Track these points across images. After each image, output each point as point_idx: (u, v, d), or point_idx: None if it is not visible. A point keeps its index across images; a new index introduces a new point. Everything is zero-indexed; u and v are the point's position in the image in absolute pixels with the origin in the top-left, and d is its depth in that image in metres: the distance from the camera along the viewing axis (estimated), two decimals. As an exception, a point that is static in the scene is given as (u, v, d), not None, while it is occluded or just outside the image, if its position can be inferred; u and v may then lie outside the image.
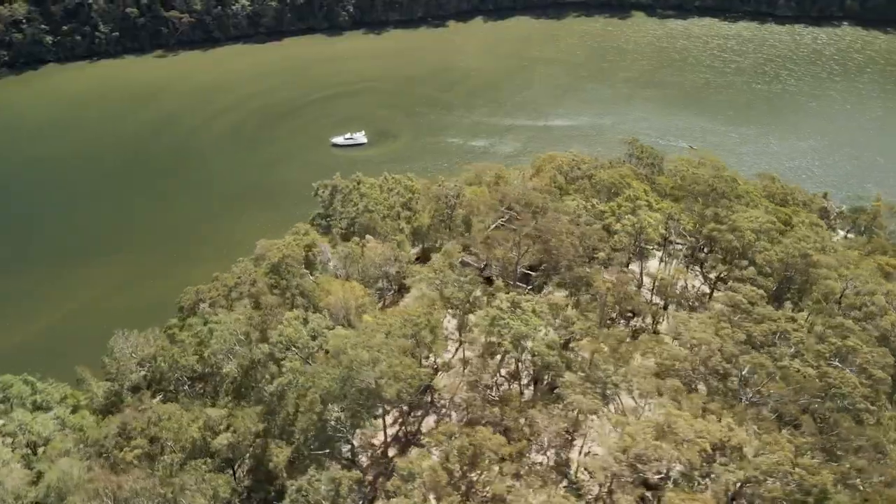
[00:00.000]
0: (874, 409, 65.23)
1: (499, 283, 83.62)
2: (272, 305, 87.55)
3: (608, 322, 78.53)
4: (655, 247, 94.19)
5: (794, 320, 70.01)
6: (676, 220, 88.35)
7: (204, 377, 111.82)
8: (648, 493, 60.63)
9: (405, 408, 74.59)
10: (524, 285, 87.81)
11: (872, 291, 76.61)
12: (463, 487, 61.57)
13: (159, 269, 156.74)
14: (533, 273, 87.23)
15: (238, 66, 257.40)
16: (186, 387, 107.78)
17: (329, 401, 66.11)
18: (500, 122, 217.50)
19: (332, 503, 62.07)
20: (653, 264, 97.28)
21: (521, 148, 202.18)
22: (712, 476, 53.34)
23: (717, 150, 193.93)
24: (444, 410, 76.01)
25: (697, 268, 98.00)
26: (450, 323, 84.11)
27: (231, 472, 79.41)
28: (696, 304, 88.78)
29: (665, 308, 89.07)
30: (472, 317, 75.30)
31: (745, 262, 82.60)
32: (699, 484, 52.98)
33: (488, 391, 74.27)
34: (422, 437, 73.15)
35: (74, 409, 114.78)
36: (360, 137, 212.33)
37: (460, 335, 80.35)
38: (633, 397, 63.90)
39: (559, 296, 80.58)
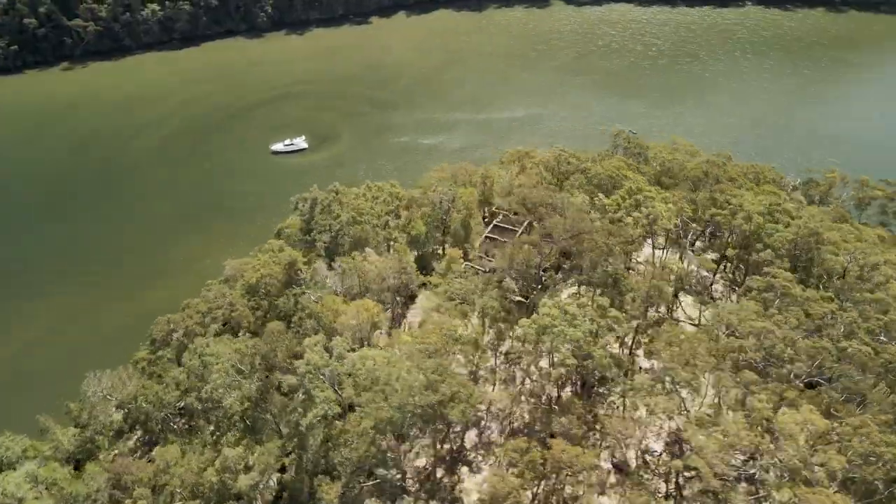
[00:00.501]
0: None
1: (510, 284, 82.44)
2: (277, 332, 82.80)
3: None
4: (654, 236, 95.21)
5: (831, 300, 72.74)
6: (680, 208, 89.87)
7: (190, 413, 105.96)
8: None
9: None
10: (536, 285, 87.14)
11: (877, 263, 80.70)
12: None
13: (112, 296, 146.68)
14: (545, 273, 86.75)
15: (158, 76, 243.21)
16: (177, 425, 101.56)
17: (383, 430, 63.05)
18: (442, 118, 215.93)
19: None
20: (646, 251, 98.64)
21: (468, 142, 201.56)
22: (814, 467, 54.31)
23: (653, 132, 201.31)
24: (483, 423, 74.28)
25: (691, 252, 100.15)
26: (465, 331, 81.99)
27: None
28: (700, 289, 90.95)
29: (675, 296, 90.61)
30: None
31: (759, 245, 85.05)
32: (804, 476, 53.85)
33: (537, 399, 73.19)
34: (467, 453, 71.20)
35: (43, 462, 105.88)
36: (301, 143, 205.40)
37: (497, 344, 78.73)
38: (695, 391, 64.35)
39: (572, 293, 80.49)
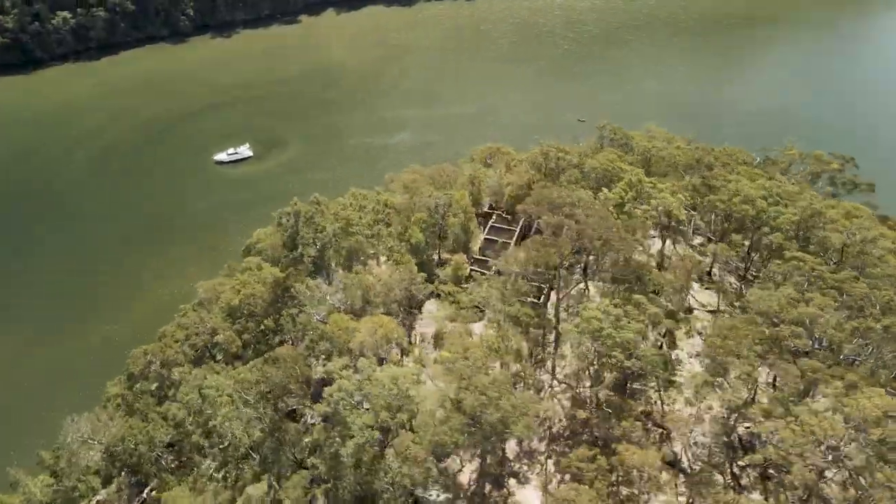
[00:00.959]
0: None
1: (523, 286, 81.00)
2: (291, 357, 78.26)
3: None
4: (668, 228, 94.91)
5: (857, 279, 74.73)
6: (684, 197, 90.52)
7: (180, 449, 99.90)
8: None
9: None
10: (545, 285, 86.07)
11: (875, 238, 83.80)
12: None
13: (65, 327, 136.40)
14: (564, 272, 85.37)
15: (80, 89, 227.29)
16: (166, 462, 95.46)
17: (440, 452, 60.25)
18: (391, 117, 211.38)
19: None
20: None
21: (422, 140, 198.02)
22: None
23: (600, 119, 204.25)
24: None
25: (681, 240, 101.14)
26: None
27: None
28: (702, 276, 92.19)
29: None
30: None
31: (766, 229, 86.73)
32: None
33: (576, 402, 72.02)
34: (511, 465, 69.28)
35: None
36: (245, 151, 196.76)
37: (535, 352, 76.85)
38: (752, 381, 64.50)
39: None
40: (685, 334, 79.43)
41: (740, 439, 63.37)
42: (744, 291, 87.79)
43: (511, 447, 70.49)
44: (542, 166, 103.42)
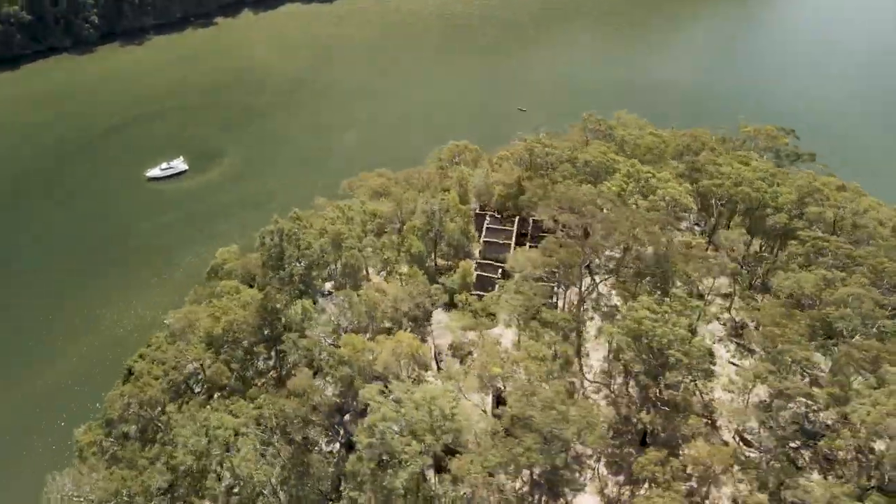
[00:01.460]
0: None
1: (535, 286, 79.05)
2: (310, 387, 73.22)
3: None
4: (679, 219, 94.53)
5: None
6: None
7: (174, 492, 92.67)
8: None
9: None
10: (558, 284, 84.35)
11: (865, 209, 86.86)
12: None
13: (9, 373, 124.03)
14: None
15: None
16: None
17: (512, 471, 57.16)
18: (332, 119, 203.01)
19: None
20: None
21: (370, 139, 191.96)
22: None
23: (539, 107, 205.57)
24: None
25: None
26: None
27: None
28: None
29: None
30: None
31: (769, 210, 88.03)
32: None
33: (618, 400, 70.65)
34: (562, 472, 67.00)
35: None
36: (180, 164, 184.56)
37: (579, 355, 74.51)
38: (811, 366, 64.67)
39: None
40: (699, 320, 79.67)
41: (801, 425, 63.64)
42: (753, 275, 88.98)
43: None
44: (529, 163, 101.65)
